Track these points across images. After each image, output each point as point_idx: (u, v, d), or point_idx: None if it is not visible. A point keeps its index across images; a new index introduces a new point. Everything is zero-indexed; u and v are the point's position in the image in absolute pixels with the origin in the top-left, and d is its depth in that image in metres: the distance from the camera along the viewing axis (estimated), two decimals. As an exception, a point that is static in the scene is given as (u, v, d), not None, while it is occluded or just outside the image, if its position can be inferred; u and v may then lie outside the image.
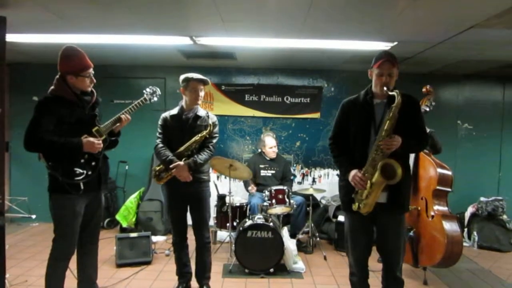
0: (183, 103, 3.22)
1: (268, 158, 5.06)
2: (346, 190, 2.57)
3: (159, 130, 3.24)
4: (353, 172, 2.47)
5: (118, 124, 2.84)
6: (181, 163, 3.06)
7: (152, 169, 3.41)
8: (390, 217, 2.51)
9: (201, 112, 3.21)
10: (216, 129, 3.25)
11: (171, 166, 3.06)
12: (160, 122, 3.25)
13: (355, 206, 2.48)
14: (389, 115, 2.33)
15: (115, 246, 4.00)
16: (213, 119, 3.22)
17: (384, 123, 2.35)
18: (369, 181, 2.40)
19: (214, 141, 3.24)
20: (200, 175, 3.18)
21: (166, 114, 3.26)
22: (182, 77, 3.17)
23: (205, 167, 3.24)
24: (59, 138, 2.54)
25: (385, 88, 2.38)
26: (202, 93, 3.19)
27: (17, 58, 5.33)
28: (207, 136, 3.16)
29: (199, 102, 3.19)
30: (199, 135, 3.12)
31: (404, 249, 2.84)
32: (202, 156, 3.12)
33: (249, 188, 4.89)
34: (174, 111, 3.24)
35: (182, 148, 3.11)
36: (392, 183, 2.35)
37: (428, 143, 2.59)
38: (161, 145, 3.19)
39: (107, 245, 4.37)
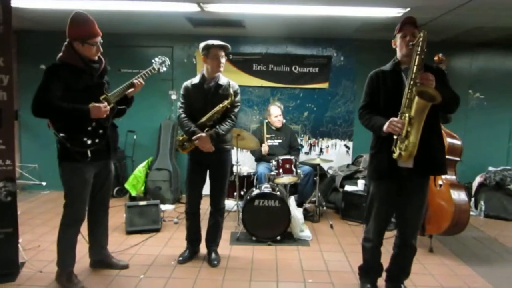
0: (204, 71, 3.17)
1: (274, 128, 5.05)
2: (381, 156, 2.51)
3: (181, 100, 3.22)
4: (389, 120, 2.39)
5: (131, 89, 2.85)
6: (203, 134, 3.06)
7: (176, 139, 3.42)
8: (417, 181, 2.51)
9: (223, 80, 3.18)
10: (238, 98, 3.22)
11: (193, 137, 3.06)
12: (182, 92, 3.23)
13: (395, 155, 2.38)
14: (417, 50, 2.34)
15: (125, 214, 4.07)
16: (234, 87, 3.19)
17: (414, 58, 2.35)
18: (407, 116, 2.31)
19: (236, 110, 3.23)
20: (223, 145, 3.20)
21: (188, 83, 3.23)
22: (201, 45, 3.11)
23: (227, 137, 3.24)
24: (67, 104, 2.54)
25: (410, 44, 2.41)
26: (223, 60, 3.14)
27: (24, 25, 5.25)
28: (229, 106, 3.14)
29: (221, 69, 3.15)
30: (221, 105, 3.10)
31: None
32: (224, 127, 3.12)
33: (262, 148, 4.83)
34: (196, 79, 3.20)
35: (204, 119, 3.10)
36: (436, 103, 2.25)
37: (458, 104, 2.53)
38: (183, 115, 3.18)
39: (117, 213, 4.45)
